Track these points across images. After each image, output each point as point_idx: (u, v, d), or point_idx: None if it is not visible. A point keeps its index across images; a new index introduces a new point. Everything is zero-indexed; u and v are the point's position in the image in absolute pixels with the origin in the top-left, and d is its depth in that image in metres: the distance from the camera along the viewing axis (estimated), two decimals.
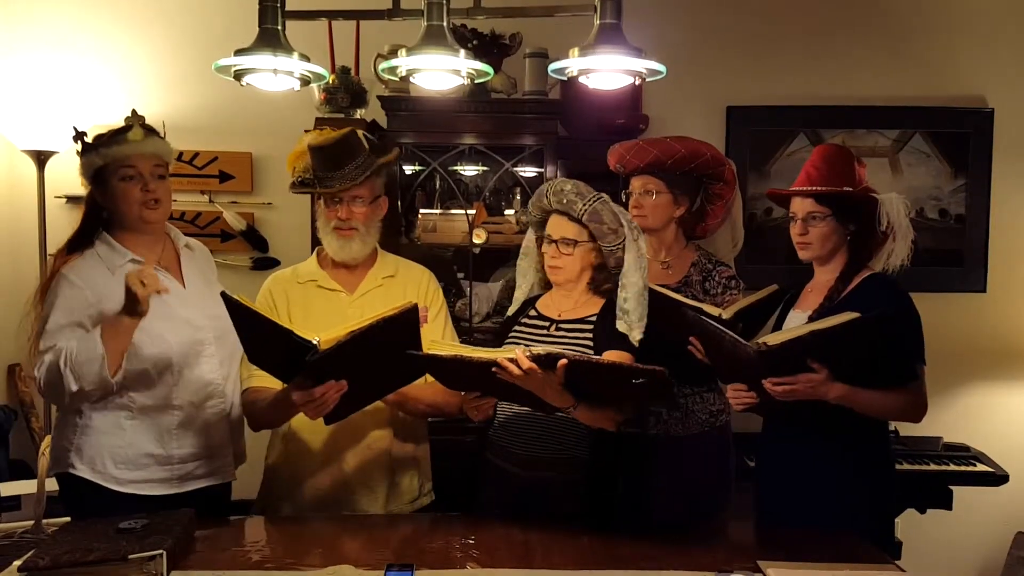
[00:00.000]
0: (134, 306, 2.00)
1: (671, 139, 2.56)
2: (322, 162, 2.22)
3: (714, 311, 2.25)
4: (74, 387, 2.02)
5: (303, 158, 2.30)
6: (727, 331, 2.02)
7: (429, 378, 2.08)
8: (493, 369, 1.86)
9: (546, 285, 2.35)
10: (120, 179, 2.16)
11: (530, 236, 2.39)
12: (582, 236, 2.18)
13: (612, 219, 2.18)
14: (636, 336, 2.16)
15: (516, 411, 2.22)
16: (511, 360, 1.85)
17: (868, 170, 2.35)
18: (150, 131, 2.21)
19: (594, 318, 2.21)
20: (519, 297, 2.39)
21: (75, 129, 2.23)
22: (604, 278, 2.26)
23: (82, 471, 2.14)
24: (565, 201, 2.18)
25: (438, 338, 2.21)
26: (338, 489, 2.24)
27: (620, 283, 2.22)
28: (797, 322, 2.26)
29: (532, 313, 2.31)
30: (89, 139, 2.20)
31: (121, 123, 2.21)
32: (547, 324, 2.25)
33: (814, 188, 2.24)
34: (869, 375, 2.03)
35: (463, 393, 2.10)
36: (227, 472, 2.29)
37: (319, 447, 2.25)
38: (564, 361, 1.85)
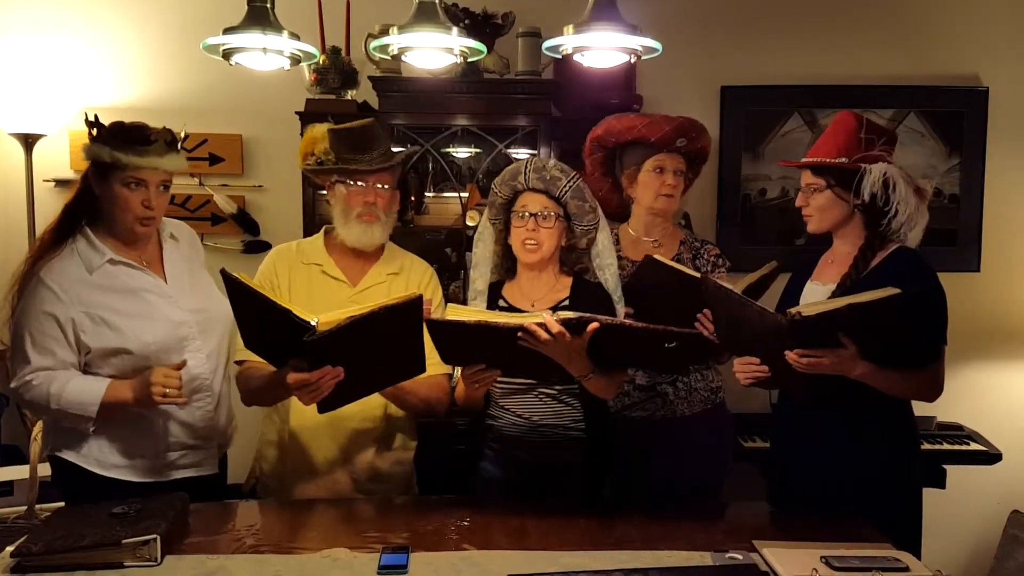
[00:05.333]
0: (146, 399, 2.01)
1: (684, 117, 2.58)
2: (348, 146, 2.21)
3: (733, 289, 2.23)
4: (50, 416, 2.13)
5: (319, 143, 2.28)
6: (752, 300, 1.97)
7: (425, 373, 2.05)
8: (519, 335, 1.83)
9: (506, 271, 2.32)
10: (123, 184, 2.09)
11: (486, 220, 2.36)
12: (559, 211, 2.19)
13: (591, 198, 2.22)
14: (622, 314, 2.19)
15: (522, 410, 2.22)
16: (540, 325, 1.83)
17: None
18: (171, 144, 2.15)
19: (567, 302, 2.21)
20: (480, 288, 2.34)
21: (97, 117, 2.15)
22: (576, 259, 2.28)
23: (68, 454, 2.14)
24: (548, 178, 2.16)
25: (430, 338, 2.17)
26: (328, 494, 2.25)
27: (597, 265, 2.28)
28: (816, 295, 2.21)
29: (502, 304, 2.28)
30: (104, 129, 2.11)
31: (111, 113, 2.14)
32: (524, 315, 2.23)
33: (806, 159, 2.22)
34: (894, 353, 1.99)
35: (462, 368, 2.05)
36: (211, 464, 2.27)
37: (313, 458, 2.25)
38: (595, 325, 1.83)
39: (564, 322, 1.83)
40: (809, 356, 1.91)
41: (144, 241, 2.22)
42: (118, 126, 2.11)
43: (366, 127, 2.23)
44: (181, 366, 2.05)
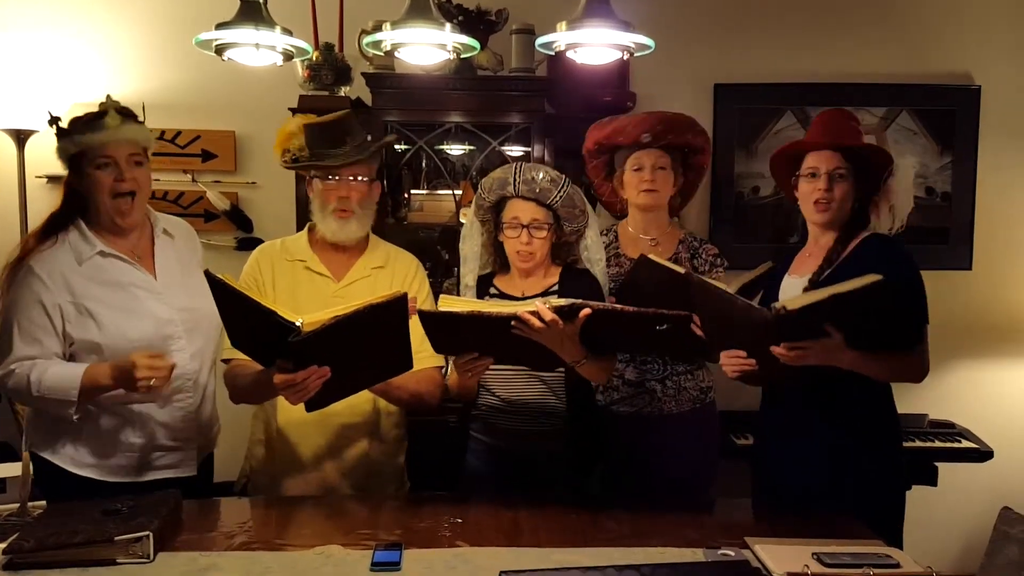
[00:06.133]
0: (129, 385, 2.00)
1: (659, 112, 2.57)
2: (321, 140, 2.20)
3: (719, 285, 2.23)
4: (34, 404, 2.12)
5: (296, 136, 2.27)
6: (737, 295, 1.97)
7: (414, 367, 2.05)
8: (512, 323, 1.84)
9: (500, 267, 2.33)
10: (95, 167, 2.11)
11: (472, 218, 2.36)
12: (549, 219, 2.20)
13: (580, 201, 2.24)
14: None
15: (501, 390, 2.24)
16: (532, 313, 1.84)
17: None
18: (127, 116, 2.15)
19: (556, 289, 2.22)
20: (469, 283, 2.35)
21: (50, 114, 2.18)
22: (566, 252, 2.30)
23: (44, 452, 2.14)
24: (539, 190, 2.17)
25: (420, 331, 2.11)
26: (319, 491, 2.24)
27: (586, 258, 2.32)
28: (793, 287, 2.22)
29: (493, 292, 2.29)
30: (64, 124, 2.14)
31: (96, 108, 2.15)
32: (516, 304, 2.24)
33: (845, 142, 2.17)
34: (880, 337, 2.00)
35: (453, 358, 2.05)
36: (189, 466, 2.24)
37: (304, 457, 2.24)
38: (587, 311, 1.85)
39: (556, 309, 1.85)
40: (796, 348, 1.92)
41: (133, 230, 2.20)
42: (75, 118, 2.14)
43: (339, 120, 2.21)
44: (170, 366, 2.04)
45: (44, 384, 2.04)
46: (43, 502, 2.42)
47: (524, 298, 2.22)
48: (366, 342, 1.86)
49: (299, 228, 3.12)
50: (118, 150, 2.11)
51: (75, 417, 2.07)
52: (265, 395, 2.13)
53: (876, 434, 2.16)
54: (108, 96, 2.17)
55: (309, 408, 1.94)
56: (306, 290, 2.23)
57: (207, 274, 1.87)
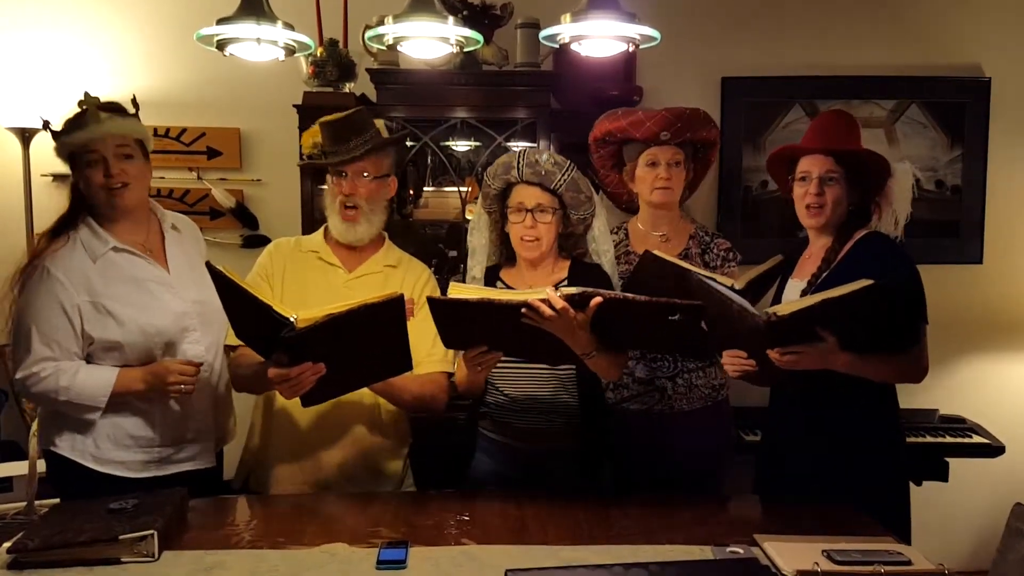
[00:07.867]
0: (159, 389, 2.07)
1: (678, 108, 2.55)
2: (330, 137, 2.19)
3: (727, 281, 2.18)
4: (56, 407, 2.12)
5: (316, 136, 2.27)
6: (736, 298, 1.95)
7: (416, 370, 2.02)
8: (523, 311, 1.82)
9: (505, 259, 2.31)
10: (87, 165, 2.11)
11: (480, 210, 2.34)
12: (554, 204, 2.17)
13: (586, 187, 2.20)
14: None
15: (510, 388, 2.22)
16: (543, 300, 1.82)
17: (865, 141, 2.31)
18: (113, 110, 2.14)
19: (566, 283, 2.20)
20: (476, 275, 2.34)
21: (42, 118, 2.19)
22: (573, 244, 2.27)
23: (63, 449, 2.13)
24: (544, 173, 2.14)
25: (429, 336, 2.09)
26: (319, 486, 2.22)
27: (593, 250, 2.29)
28: (794, 291, 2.22)
29: (499, 286, 2.27)
30: (56, 126, 2.14)
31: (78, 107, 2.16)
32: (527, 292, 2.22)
33: (837, 146, 2.17)
34: (875, 340, 1.99)
35: (463, 352, 2.03)
36: (208, 457, 2.26)
37: (300, 444, 2.22)
38: (598, 299, 1.82)
39: (567, 297, 1.82)
40: (789, 353, 1.92)
41: (138, 214, 2.21)
42: (67, 119, 2.14)
43: (349, 116, 2.20)
44: (198, 367, 2.09)
45: (73, 391, 2.05)
46: (53, 500, 2.42)
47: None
48: (362, 341, 1.85)
49: (304, 224, 3.14)
50: (103, 145, 2.10)
51: (97, 418, 2.09)
52: (264, 386, 2.12)
53: (878, 431, 2.15)
54: (86, 93, 2.15)
55: (305, 403, 1.93)
56: (316, 279, 2.23)
57: (208, 265, 1.88)
